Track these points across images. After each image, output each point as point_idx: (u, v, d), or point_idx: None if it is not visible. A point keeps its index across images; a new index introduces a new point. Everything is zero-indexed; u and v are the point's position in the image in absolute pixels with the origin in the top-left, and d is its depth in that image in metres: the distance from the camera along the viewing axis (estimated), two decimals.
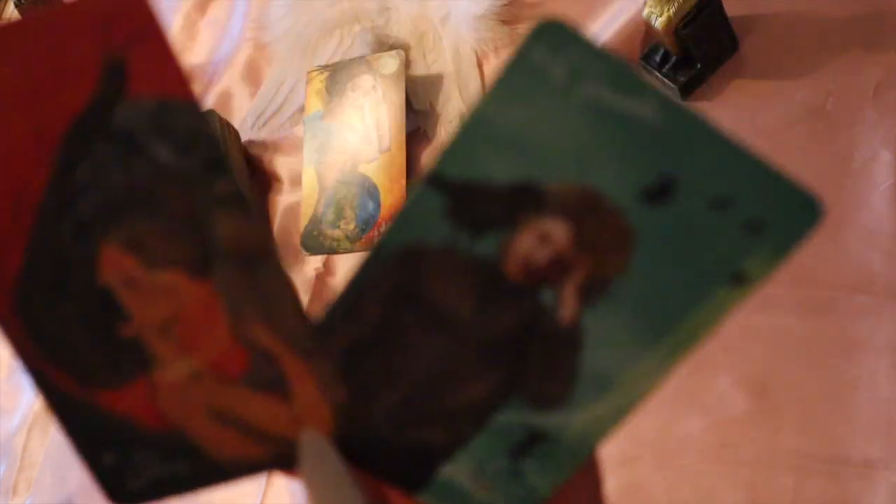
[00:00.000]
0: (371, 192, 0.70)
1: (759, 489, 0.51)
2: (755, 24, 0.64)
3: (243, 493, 0.64)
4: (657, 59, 0.64)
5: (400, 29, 0.78)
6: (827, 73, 0.60)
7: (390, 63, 0.73)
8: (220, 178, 0.21)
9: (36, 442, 0.74)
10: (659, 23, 0.60)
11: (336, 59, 0.78)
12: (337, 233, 0.70)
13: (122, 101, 0.21)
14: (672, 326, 0.22)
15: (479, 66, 0.74)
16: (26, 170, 0.21)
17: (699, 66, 0.63)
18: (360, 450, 0.24)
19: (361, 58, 0.74)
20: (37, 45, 0.20)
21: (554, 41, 0.20)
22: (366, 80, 0.73)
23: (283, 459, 0.24)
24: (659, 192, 0.21)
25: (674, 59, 0.63)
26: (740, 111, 0.62)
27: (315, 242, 0.71)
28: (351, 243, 0.70)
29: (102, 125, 0.21)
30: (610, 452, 0.60)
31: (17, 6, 0.75)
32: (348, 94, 0.73)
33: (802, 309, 0.55)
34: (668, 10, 0.60)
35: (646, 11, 0.61)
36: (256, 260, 0.22)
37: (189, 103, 0.21)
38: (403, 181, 0.69)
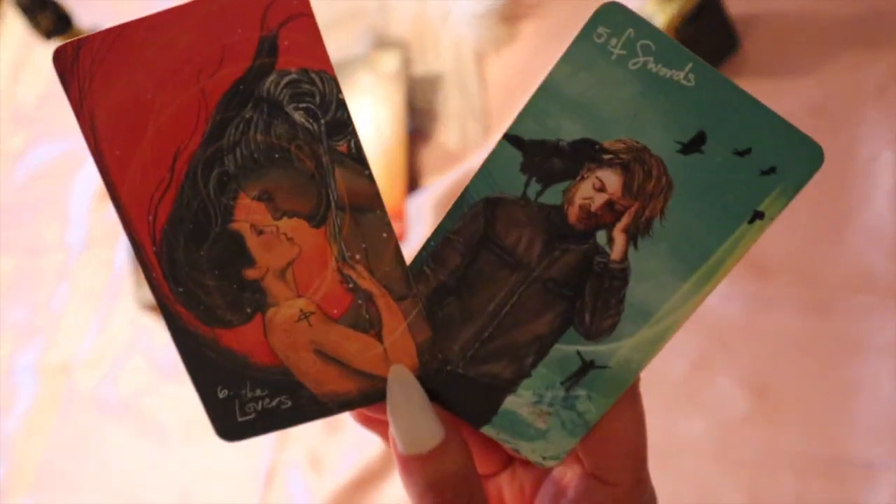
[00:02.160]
0: None
1: (761, 490, 0.51)
2: (756, 23, 0.64)
3: (244, 493, 0.64)
4: None
5: (400, 28, 0.78)
6: (829, 72, 0.60)
7: (390, 62, 0.72)
8: (342, 139, 0.26)
9: (35, 442, 0.74)
10: (659, 22, 0.60)
11: (335, 57, 0.78)
12: None
13: (271, 72, 0.25)
14: (702, 260, 0.26)
15: (480, 65, 0.74)
16: (188, 127, 0.25)
17: None
18: (437, 386, 0.28)
19: (361, 57, 0.74)
20: (208, 25, 0.25)
21: (613, 20, 0.25)
22: (366, 79, 0.72)
23: (372, 395, 0.27)
24: (692, 145, 0.25)
25: None
26: None
27: None
28: None
29: (252, 93, 0.25)
30: None
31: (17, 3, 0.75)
32: (348, 94, 0.73)
33: (804, 309, 0.55)
34: (669, 9, 0.59)
35: (646, 10, 0.61)
36: (365, 211, 0.26)
37: (324, 74, 0.25)
38: (403, 180, 0.69)
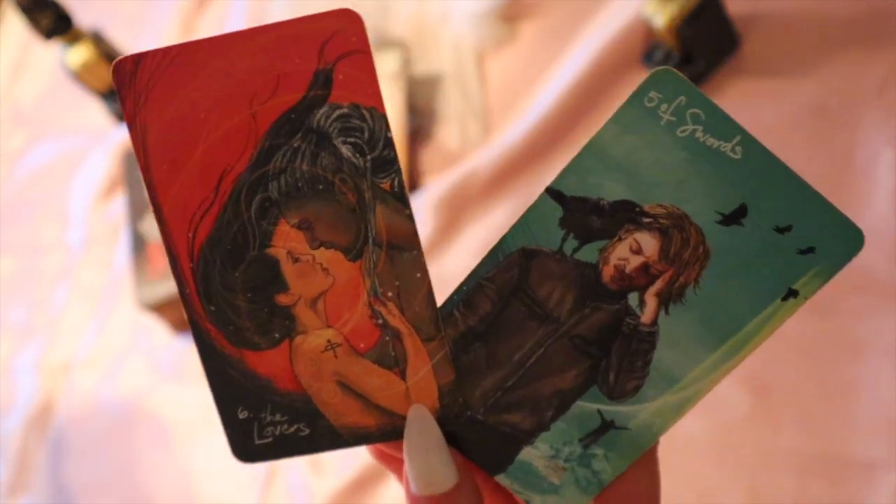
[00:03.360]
0: None
1: (761, 491, 0.51)
2: (757, 22, 0.64)
3: (244, 493, 0.64)
4: (659, 58, 0.64)
5: (400, 28, 0.78)
6: (830, 71, 0.60)
7: (390, 62, 0.72)
8: (386, 177, 0.26)
9: (34, 442, 0.74)
10: (660, 21, 0.60)
11: None
12: None
13: (323, 105, 0.25)
14: (732, 332, 0.26)
15: (480, 65, 0.73)
16: (236, 150, 0.26)
17: (701, 64, 0.62)
18: (456, 430, 0.28)
19: None
20: (266, 52, 0.25)
21: (666, 86, 0.25)
22: None
23: (390, 432, 0.28)
24: (733, 217, 0.25)
25: (675, 58, 0.63)
26: (742, 110, 0.61)
27: None
28: None
29: (303, 123, 0.25)
30: None
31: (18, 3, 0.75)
32: None
33: (804, 309, 0.55)
34: (669, 8, 0.59)
35: (646, 10, 0.61)
36: (401, 250, 0.26)
37: (374, 111, 0.25)
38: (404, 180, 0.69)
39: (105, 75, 0.83)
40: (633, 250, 0.26)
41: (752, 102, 0.62)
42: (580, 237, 0.26)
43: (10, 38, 1.05)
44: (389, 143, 0.26)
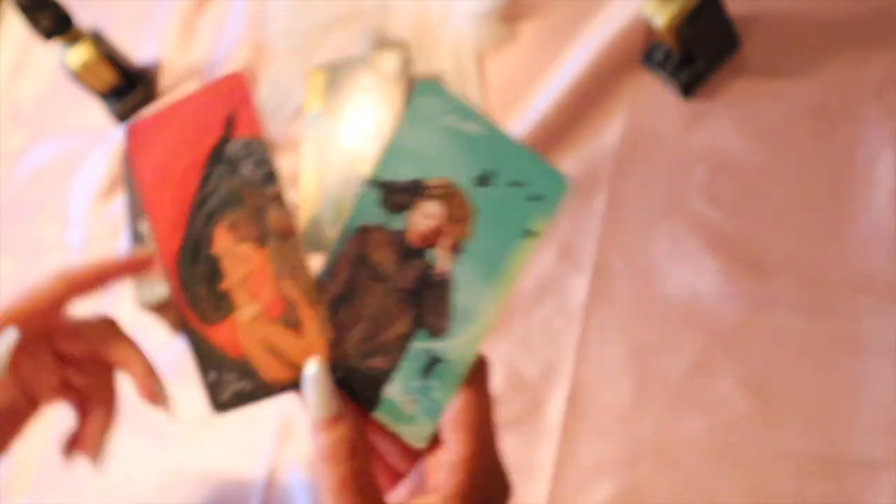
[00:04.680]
0: None
1: (761, 491, 0.51)
2: (757, 23, 0.64)
3: (244, 493, 0.64)
4: (659, 58, 0.64)
5: (400, 28, 0.78)
6: (830, 71, 0.60)
7: (390, 62, 0.72)
8: (271, 185, 0.36)
9: (34, 442, 0.74)
10: (660, 21, 0.60)
11: (335, 57, 0.78)
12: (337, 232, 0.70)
13: (231, 140, 0.36)
14: (498, 268, 0.34)
15: (480, 65, 0.73)
16: (192, 180, 0.36)
17: (701, 64, 0.62)
18: (342, 375, 0.35)
19: (361, 57, 0.74)
20: (196, 111, 0.37)
21: (429, 91, 0.34)
22: (366, 79, 0.72)
23: (300, 382, 0.35)
24: (483, 180, 0.34)
25: (675, 57, 0.63)
26: (743, 110, 0.62)
27: (315, 241, 0.71)
28: None
29: (221, 154, 0.36)
30: (611, 454, 0.59)
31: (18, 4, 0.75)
32: (348, 93, 0.72)
33: (805, 310, 0.55)
34: (669, 8, 0.59)
35: (646, 10, 0.61)
36: (286, 237, 0.36)
37: (260, 140, 0.36)
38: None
39: (105, 75, 0.83)
40: (424, 216, 0.34)
41: (752, 102, 0.62)
42: (392, 212, 0.35)
43: (10, 38, 1.05)
44: (270, 161, 0.36)
